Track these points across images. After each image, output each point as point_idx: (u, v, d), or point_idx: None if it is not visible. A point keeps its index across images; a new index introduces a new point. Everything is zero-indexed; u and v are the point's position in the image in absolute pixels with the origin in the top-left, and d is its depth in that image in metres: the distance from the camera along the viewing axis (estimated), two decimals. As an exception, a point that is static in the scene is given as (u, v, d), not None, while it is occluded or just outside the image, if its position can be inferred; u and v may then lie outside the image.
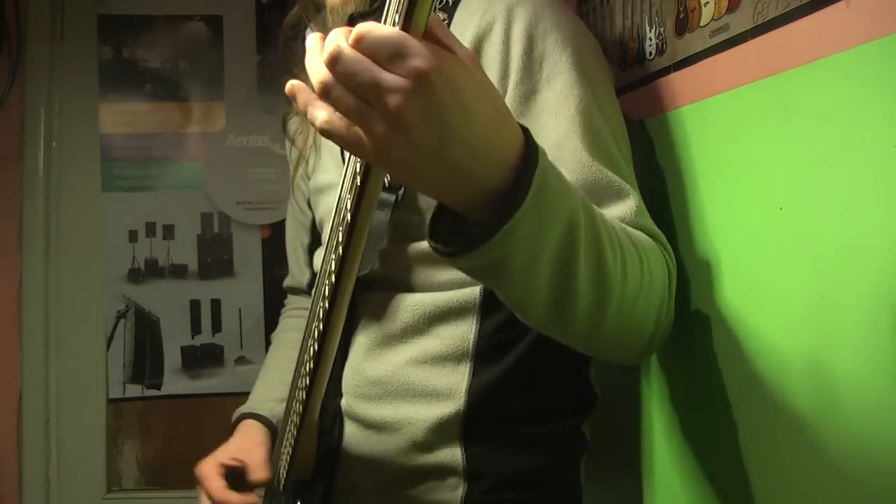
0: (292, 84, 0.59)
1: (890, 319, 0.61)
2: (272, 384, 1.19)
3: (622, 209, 0.81)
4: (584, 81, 0.85)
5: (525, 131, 0.62)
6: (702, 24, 0.88)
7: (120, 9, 2.14)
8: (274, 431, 1.14)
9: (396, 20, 0.54)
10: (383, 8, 0.56)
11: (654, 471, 1.03)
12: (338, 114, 0.57)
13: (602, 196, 0.81)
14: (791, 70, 0.72)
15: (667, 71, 0.97)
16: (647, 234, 0.81)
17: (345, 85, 0.55)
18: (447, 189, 0.60)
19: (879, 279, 0.62)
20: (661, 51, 0.99)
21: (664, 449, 1.00)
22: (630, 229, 0.78)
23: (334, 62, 0.54)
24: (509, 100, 0.86)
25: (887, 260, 0.61)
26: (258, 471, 1.07)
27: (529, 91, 0.86)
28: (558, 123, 0.84)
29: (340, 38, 0.54)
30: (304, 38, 1.10)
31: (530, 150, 0.61)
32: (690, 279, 0.91)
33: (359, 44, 0.54)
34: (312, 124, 0.58)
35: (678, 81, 0.95)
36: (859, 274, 0.64)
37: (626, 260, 0.71)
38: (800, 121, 0.71)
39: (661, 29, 0.99)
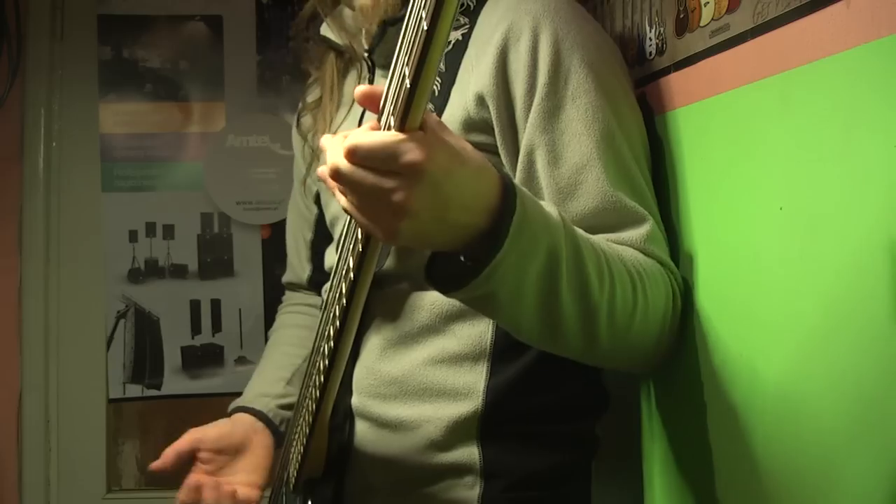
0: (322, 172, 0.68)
1: (891, 319, 0.61)
2: (268, 379, 1.18)
3: (634, 235, 0.85)
4: (608, 103, 0.87)
5: (501, 175, 0.68)
6: (702, 24, 0.88)
7: (120, 9, 2.14)
8: (268, 425, 1.13)
9: (392, 123, 0.62)
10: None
11: (654, 472, 1.03)
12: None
13: (619, 222, 0.86)
14: (791, 70, 0.72)
15: (667, 71, 0.97)
16: (655, 260, 0.85)
17: (353, 193, 0.64)
18: (448, 243, 0.69)
19: (880, 279, 0.62)
20: (661, 51, 0.99)
21: (665, 450, 1.00)
22: (634, 256, 0.83)
23: (336, 176, 0.64)
24: (534, 114, 0.87)
25: (887, 260, 0.61)
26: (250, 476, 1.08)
27: (555, 107, 0.87)
28: (581, 145, 0.86)
29: (338, 153, 0.63)
30: (315, 37, 1.10)
31: (508, 195, 0.67)
32: (690, 279, 0.91)
33: (352, 157, 0.62)
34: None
35: (678, 81, 0.95)
36: (859, 274, 0.64)
37: (615, 283, 0.77)
38: (800, 121, 0.71)
39: (661, 29, 0.99)
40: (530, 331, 0.77)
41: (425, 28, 0.56)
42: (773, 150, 0.75)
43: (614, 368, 0.96)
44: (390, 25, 0.97)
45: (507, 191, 0.67)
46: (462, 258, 0.70)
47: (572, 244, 0.73)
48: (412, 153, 0.61)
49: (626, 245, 0.84)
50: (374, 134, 0.62)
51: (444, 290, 0.72)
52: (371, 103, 0.66)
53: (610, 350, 0.81)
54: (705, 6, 0.87)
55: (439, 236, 0.67)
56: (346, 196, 0.66)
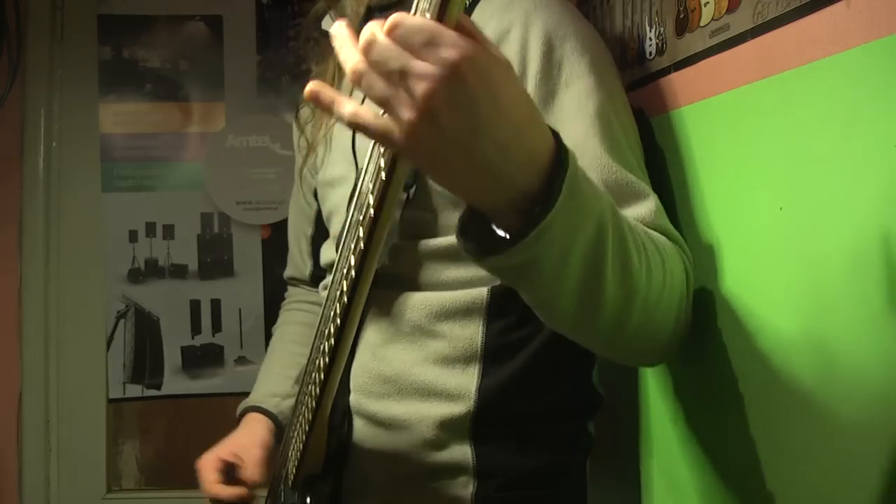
0: (312, 86, 0.59)
1: (890, 319, 0.61)
2: (276, 378, 1.20)
3: (642, 210, 0.82)
4: (601, 87, 0.86)
5: (556, 135, 0.61)
6: (702, 24, 0.88)
7: (120, 9, 2.14)
8: (278, 426, 1.15)
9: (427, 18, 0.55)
10: (404, 0, 0.57)
11: (653, 468, 1.03)
12: (365, 105, 0.57)
13: (622, 197, 0.82)
14: (791, 70, 0.72)
15: (667, 71, 0.97)
16: (666, 235, 0.82)
17: (377, 72, 0.55)
18: (476, 188, 0.60)
19: (879, 279, 0.62)
20: (661, 51, 0.99)
21: (663, 447, 1.00)
22: (650, 231, 0.79)
23: (368, 49, 0.55)
24: None
25: (887, 260, 0.61)
26: (252, 469, 1.10)
27: (548, 93, 0.86)
28: (577, 126, 0.85)
29: (376, 27, 0.55)
30: (318, 33, 1.11)
31: (561, 153, 0.60)
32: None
33: (393, 31, 0.54)
34: (340, 119, 0.58)
35: (678, 81, 0.95)
36: (859, 274, 0.64)
37: (650, 261, 0.72)
38: (800, 121, 0.71)
39: (661, 29, 0.99)
40: (565, 309, 0.69)
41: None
42: (773, 150, 0.75)
43: (626, 361, 0.91)
44: (377, 12, 0.97)
45: (561, 149, 0.61)
46: (500, 224, 0.62)
47: (614, 214, 0.67)
48: (454, 49, 0.53)
49: (639, 222, 0.81)
50: (422, 19, 0.55)
51: (480, 256, 0.63)
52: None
53: (634, 333, 0.75)
54: (705, 6, 0.87)
55: (463, 169, 0.58)
56: (365, 81, 0.56)
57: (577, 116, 0.85)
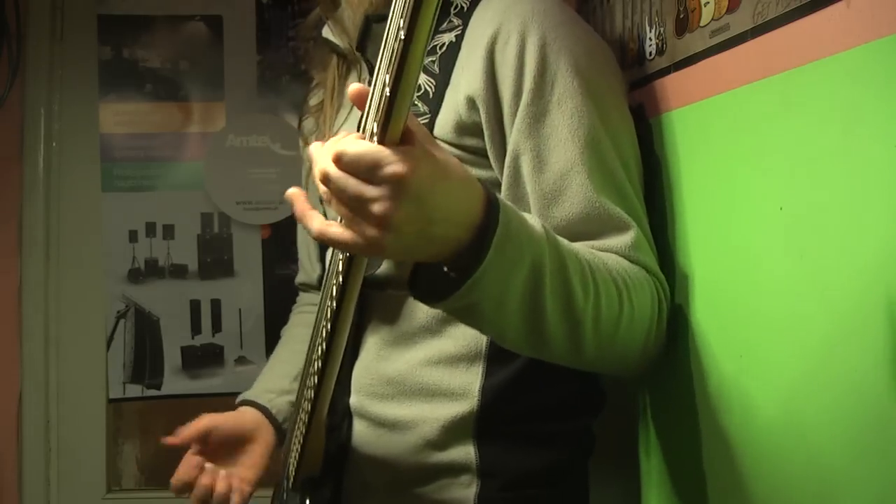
0: (290, 192, 0.70)
1: (890, 320, 0.61)
2: (275, 376, 1.20)
3: (619, 242, 0.85)
4: (594, 107, 0.87)
5: (486, 189, 0.69)
6: (702, 24, 0.88)
7: (120, 9, 2.14)
8: (272, 421, 1.14)
9: (375, 129, 0.61)
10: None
11: (652, 469, 1.03)
12: (333, 224, 0.67)
13: (603, 229, 0.86)
14: (791, 70, 0.72)
15: (667, 71, 0.97)
16: (640, 267, 0.85)
17: (338, 198, 0.64)
18: (432, 256, 0.69)
19: (879, 279, 0.62)
20: (661, 51, 0.99)
21: (661, 451, 1.00)
22: (619, 263, 0.83)
23: (325, 179, 0.64)
24: (519, 119, 0.87)
25: (887, 260, 0.61)
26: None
27: (540, 112, 0.86)
28: (566, 151, 0.86)
29: (327, 159, 0.63)
30: (316, 39, 1.12)
31: (492, 209, 0.68)
32: (690, 279, 0.91)
33: (339, 163, 0.62)
34: (308, 234, 0.68)
35: (678, 81, 0.95)
36: (859, 274, 0.64)
37: (601, 296, 0.77)
38: (800, 121, 0.71)
39: (661, 29, 0.99)
40: (515, 340, 0.78)
41: (402, 37, 0.56)
42: (774, 150, 0.75)
43: (603, 373, 0.97)
44: (375, 22, 0.97)
45: (491, 205, 0.68)
46: (445, 269, 0.70)
47: (556, 256, 0.74)
48: (396, 165, 0.60)
49: (611, 252, 0.84)
50: (361, 143, 0.62)
51: (428, 302, 0.72)
52: (362, 103, 0.65)
53: (596, 357, 0.82)
54: (705, 6, 0.87)
55: (424, 250, 0.67)
56: (333, 205, 0.65)
57: (567, 141, 0.86)
